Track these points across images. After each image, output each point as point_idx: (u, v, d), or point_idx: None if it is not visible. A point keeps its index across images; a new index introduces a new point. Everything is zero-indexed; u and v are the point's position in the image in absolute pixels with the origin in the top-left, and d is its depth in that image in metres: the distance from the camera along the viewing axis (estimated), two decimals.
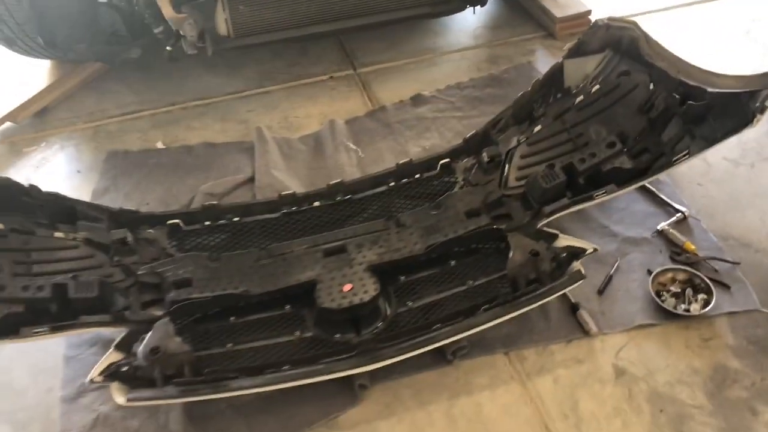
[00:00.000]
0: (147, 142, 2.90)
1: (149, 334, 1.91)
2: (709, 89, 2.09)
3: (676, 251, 2.34)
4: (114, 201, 2.57)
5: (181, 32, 2.56)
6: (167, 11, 2.46)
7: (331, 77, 3.24)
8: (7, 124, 2.94)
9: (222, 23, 2.61)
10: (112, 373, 1.85)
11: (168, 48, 2.66)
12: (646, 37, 2.32)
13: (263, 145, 2.76)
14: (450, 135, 2.87)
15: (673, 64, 2.24)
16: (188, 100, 3.11)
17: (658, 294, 2.20)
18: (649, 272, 2.26)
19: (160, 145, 2.87)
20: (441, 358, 2.06)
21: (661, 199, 2.52)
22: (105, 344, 2.14)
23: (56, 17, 2.62)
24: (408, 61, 3.33)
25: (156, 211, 2.38)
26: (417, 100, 3.07)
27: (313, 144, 2.87)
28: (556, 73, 2.48)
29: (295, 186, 2.61)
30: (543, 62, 3.24)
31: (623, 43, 2.37)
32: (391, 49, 3.41)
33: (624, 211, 2.51)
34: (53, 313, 1.95)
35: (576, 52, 2.46)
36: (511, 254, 2.08)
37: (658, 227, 2.42)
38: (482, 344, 2.09)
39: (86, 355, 2.13)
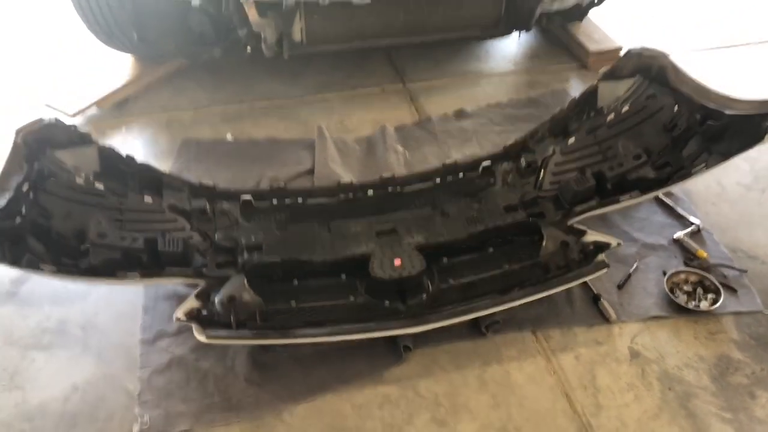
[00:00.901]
0: (217, 134, 3.22)
1: (225, 286, 2.19)
2: (727, 111, 2.38)
3: (690, 257, 2.61)
4: None
5: (262, 35, 2.91)
6: (253, 15, 2.81)
7: (383, 90, 3.57)
8: (93, 109, 3.28)
9: (297, 30, 2.95)
10: (193, 317, 2.14)
11: (248, 49, 3.00)
12: (673, 66, 2.62)
13: (323, 142, 3.08)
14: (489, 146, 3.16)
15: (696, 89, 2.53)
16: (255, 100, 3.45)
17: (672, 291, 2.46)
18: (664, 273, 2.52)
19: (229, 137, 3.20)
20: (476, 330, 2.33)
21: (678, 213, 2.79)
22: (180, 299, 2.41)
23: (151, 17, 2.98)
24: (452, 80, 3.66)
25: (230, 187, 2.68)
26: (460, 114, 3.38)
27: (366, 145, 3.19)
28: (591, 94, 2.78)
29: (349, 178, 2.90)
30: (576, 89, 3.54)
31: (653, 70, 2.67)
32: (437, 68, 3.73)
33: (645, 221, 2.78)
34: (144, 262, 2.25)
35: (610, 75, 2.76)
36: (544, 243, 2.36)
37: (675, 236, 2.69)
38: (513, 322, 2.36)
39: (163, 307, 2.42)
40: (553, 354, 2.30)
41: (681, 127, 2.54)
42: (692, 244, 2.64)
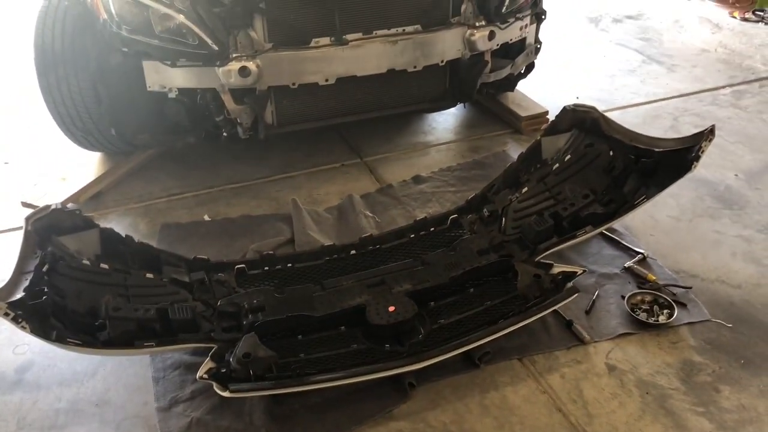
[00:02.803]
0: (194, 216, 3.40)
1: (239, 345, 2.33)
2: (657, 149, 2.79)
3: (642, 281, 2.95)
4: None
5: (238, 119, 3.16)
6: (229, 102, 3.07)
7: (342, 164, 3.86)
8: (69, 204, 3.40)
9: (269, 114, 3.23)
10: (212, 375, 2.26)
11: (224, 134, 3.24)
12: (604, 117, 3.05)
13: (298, 212, 3.31)
14: (448, 204, 3.47)
15: (626, 134, 2.96)
16: (224, 184, 3.66)
17: (633, 310, 2.77)
18: (623, 297, 2.85)
19: (206, 217, 3.37)
20: (470, 363, 2.54)
21: (624, 245, 3.15)
22: (186, 367, 2.54)
23: (127, 112, 3.19)
24: (404, 152, 4.00)
25: (224, 259, 2.85)
26: (417, 179, 3.70)
27: (337, 213, 3.43)
28: (536, 148, 3.17)
29: (327, 243, 3.14)
30: (514, 150, 3.96)
31: (587, 122, 3.09)
32: (389, 143, 4.08)
33: (597, 254, 3.12)
34: (157, 331, 2.38)
35: (551, 131, 3.16)
36: (519, 278, 2.64)
37: (625, 265, 3.03)
38: (501, 353, 2.59)
39: (171, 376, 2.52)
40: (540, 376, 2.54)
41: (618, 167, 2.94)
42: (642, 270, 2.98)
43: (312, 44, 3.10)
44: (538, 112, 4.18)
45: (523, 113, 4.16)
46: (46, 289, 2.19)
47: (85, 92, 3.16)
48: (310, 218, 3.33)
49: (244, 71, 2.98)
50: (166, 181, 3.70)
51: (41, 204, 3.29)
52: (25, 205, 3.35)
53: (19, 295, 2.05)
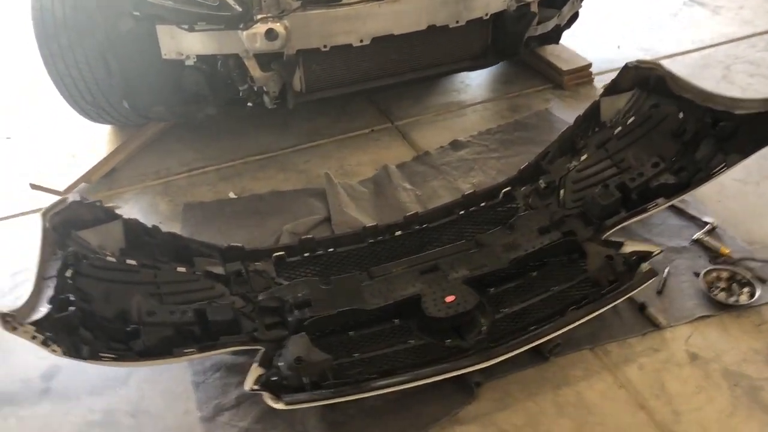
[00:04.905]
0: (218, 194, 3.12)
1: (289, 348, 2.10)
2: (737, 111, 2.50)
3: (714, 255, 2.70)
4: None
5: (264, 88, 2.85)
6: (254, 70, 2.76)
7: (372, 130, 3.56)
8: (82, 184, 3.12)
9: (297, 80, 2.92)
10: (262, 384, 2.03)
11: (249, 104, 2.94)
12: (671, 74, 2.74)
13: (333, 188, 3.04)
14: (493, 173, 3.20)
15: (698, 94, 2.65)
16: (247, 156, 3.37)
17: (710, 290, 2.53)
18: (696, 274, 2.60)
19: (232, 195, 3.10)
20: (538, 356, 2.31)
21: (690, 214, 2.89)
22: (228, 369, 2.32)
23: (141, 83, 2.87)
24: (437, 114, 3.69)
25: (260, 246, 2.59)
26: (456, 144, 3.41)
27: (373, 187, 3.16)
28: (594, 110, 2.87)
29: (366, 222, 2.88)
30: (558, 108, 3.66)
31: (650, 80, 2.78)
32: (419, 104, 3.76)
33: (661, 225, 2.86)
34: (196, 335, 2.14)
35: (610, 90, 2.86)
36: (589, 260, 2.39)
37: (694, 237, 2.77)
38: (571, 343, 2.36)
39: (212, 380, 2.30)
40: (616, 368, 2.31)
41: (690, 131, 2.65)
42: (713, 243, 2.73)
43: (345, 0, 2.76)
44: (581, 65, 3.85)
45: (564, 66, 3.83)
46: (72, 297, 1.94)
47: (92, 62, 2.84)
48: (345, 194, 3.05)
49: (271, 34, 2.65)
50: (183, 153, 3.40)
51: (51, 185, 3.06)
52: (35, 187, 3.07)
53: (45, 309, 1.80)
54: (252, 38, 2.67)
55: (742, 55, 4.15)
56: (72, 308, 1.89)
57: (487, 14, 3.05)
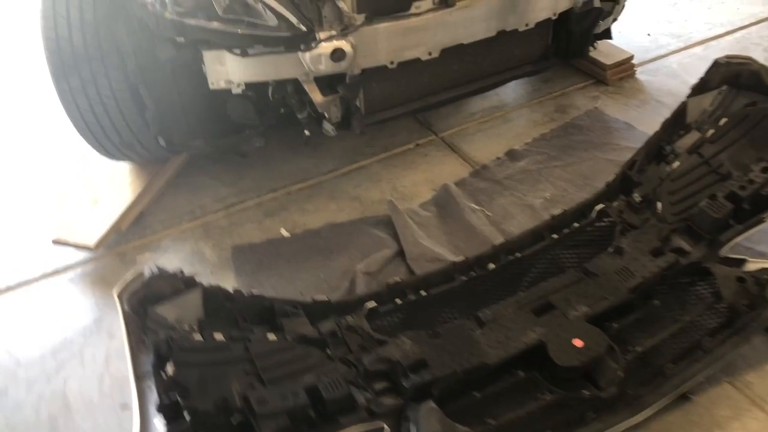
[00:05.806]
0: (267, 232, 2.78)
1: (423, 425, 1.82)
2: None
3: None
4: None
5: (326, 114, 2.52)
6: (316, 96, 2.42)
7: (417, 144, 3.26)
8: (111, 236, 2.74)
9: (357, 102, 2.60)
10: None
11: (307, 132, 2.60)
12: (766, 69, 2.53)
13: (400, 217, 2.74)
14: (562, 183, 2.96)
15: None
16: (288, 184, 3.03)
17: None
18: None
19: (284, 232, 2.77)
20: (679, 397, 2.09)
21: None
22: None
23: (177, 116, 2.51)
24: (482, 121, 3.42)
25: (348, 298, 2.29)
26: (513, 155, 3.15)
27: (436, 210, 2.87)
28: (681, 112, 2.64)
29: (443, 252, 2.60)
30: (607, 105, 3.44)
31: (742, 77, 2.57)
32: (459, 112, 3.48)
33: (759, 231, 2.66)
34: (313, 420, 1.82)
35: (699, 89, 2.63)
36: (720, 284, 2.17)
37: None
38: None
39: None
40: (764, 401, 2.10)
41: None
42: None
43: (412, 9, 2.45)
44: (623, 57, 3.63)
45: (606, 61, 3.60)
46: (180, 401, 1.60)
47: (120, 96, 2.45)
48: (413, 222, 2.75)
49: (337, 54, 2.32)
50: (215, 188, 3.04)
51: (78, 240, 2.67)
52: (59, 242, 2.67)
53: (159, 424, 1.46)
54: (316, 60, 2.33)
55: None
56: (185, 413, 1.56)
57: (555, 14, 2.79)
